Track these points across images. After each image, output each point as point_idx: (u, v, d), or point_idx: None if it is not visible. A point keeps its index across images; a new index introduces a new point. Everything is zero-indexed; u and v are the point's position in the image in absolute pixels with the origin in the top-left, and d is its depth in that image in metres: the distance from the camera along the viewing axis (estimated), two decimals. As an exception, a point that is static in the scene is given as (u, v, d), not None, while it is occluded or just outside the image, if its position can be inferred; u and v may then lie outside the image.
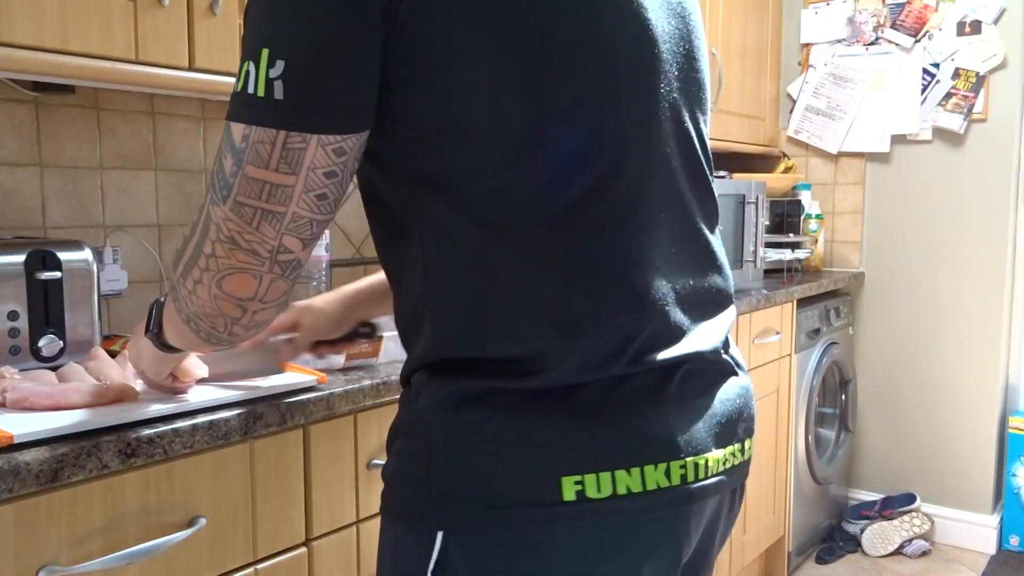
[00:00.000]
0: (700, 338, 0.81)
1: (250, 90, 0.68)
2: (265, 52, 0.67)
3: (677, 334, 0.79)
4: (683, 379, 0.79)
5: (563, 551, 0.73)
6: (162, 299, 0.90)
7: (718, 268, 0.87)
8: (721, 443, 0.81)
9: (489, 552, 0.74)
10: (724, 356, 0.86)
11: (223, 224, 0.72)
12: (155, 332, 0.91)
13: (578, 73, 0.73)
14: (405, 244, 0.79)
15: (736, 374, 0.86)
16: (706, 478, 0.78)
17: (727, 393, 0.84)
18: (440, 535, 0.74)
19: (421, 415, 0.77)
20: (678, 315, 0.79)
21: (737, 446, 0.83)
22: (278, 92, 0.68)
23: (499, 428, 0.74)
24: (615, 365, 0.75)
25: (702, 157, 0.86)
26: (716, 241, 0.88)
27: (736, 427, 0.84)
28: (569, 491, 0.72)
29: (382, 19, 0.68)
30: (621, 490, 0.73)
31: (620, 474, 0.73)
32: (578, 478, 0.72)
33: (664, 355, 0.77)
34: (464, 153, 0.72)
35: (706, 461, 0.78)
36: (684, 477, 0.76)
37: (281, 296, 0.77)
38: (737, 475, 0.84)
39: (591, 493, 0.72)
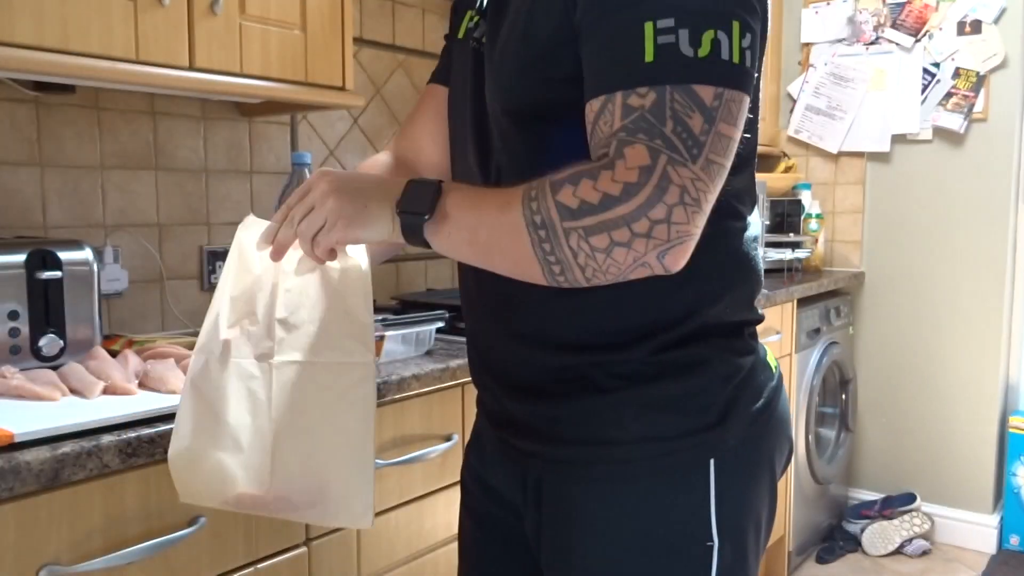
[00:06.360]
0: None
1: (723, 56, 0.72)
2: (736, 24, 0.73)
3: None
4: None
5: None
6: (436, 184, 0.80)
7: None
8: None
9: None
10: None
11: (691, 185, 0.71)
12: (422, 215, 0.79)
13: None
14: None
15: None
16: None
17: None
18: None
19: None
20: None
21: None
22: (747, 61, 0.74)
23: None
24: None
25: None
26: None
27: None
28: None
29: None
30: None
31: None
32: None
33: None
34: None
35: None
36: None
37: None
38: None
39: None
